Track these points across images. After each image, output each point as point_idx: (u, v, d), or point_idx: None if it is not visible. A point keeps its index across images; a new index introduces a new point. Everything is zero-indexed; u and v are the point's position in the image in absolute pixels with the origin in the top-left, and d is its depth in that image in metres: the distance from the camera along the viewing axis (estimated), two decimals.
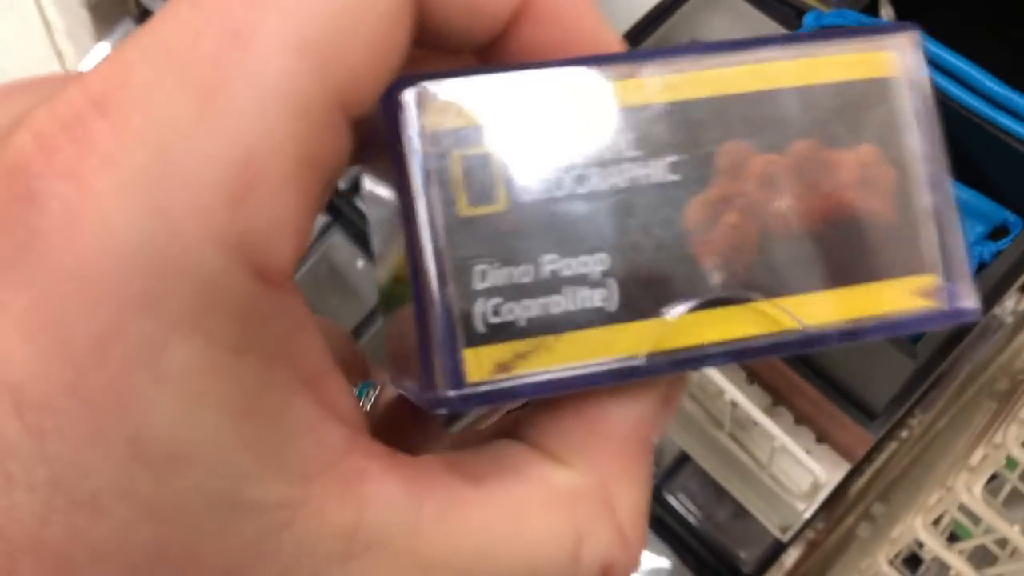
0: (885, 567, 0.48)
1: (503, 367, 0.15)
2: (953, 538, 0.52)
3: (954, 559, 0.44)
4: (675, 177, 0.16)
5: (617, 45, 0.17)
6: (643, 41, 0.62)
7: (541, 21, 0.17)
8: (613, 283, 0.16)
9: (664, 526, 0.69)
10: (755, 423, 0.51)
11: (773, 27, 0.62)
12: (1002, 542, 0.47)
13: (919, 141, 0.17)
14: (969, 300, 0.17)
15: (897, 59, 0.17)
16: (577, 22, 0.17)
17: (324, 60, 0.14)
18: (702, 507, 0.70)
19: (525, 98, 0.16)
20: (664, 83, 0.16)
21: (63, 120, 0.13)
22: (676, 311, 0.16)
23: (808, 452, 0.53)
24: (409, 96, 0.15)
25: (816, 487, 0.52)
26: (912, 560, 0.54)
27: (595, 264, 0.16)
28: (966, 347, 0.56)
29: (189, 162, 0.13)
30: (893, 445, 0.54)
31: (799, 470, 0.52)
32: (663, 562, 0.69)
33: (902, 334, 0.17)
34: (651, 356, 0.16)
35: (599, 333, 0.16)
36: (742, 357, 0.16)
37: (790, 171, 0.17)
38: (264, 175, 0.13)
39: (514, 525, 0.16)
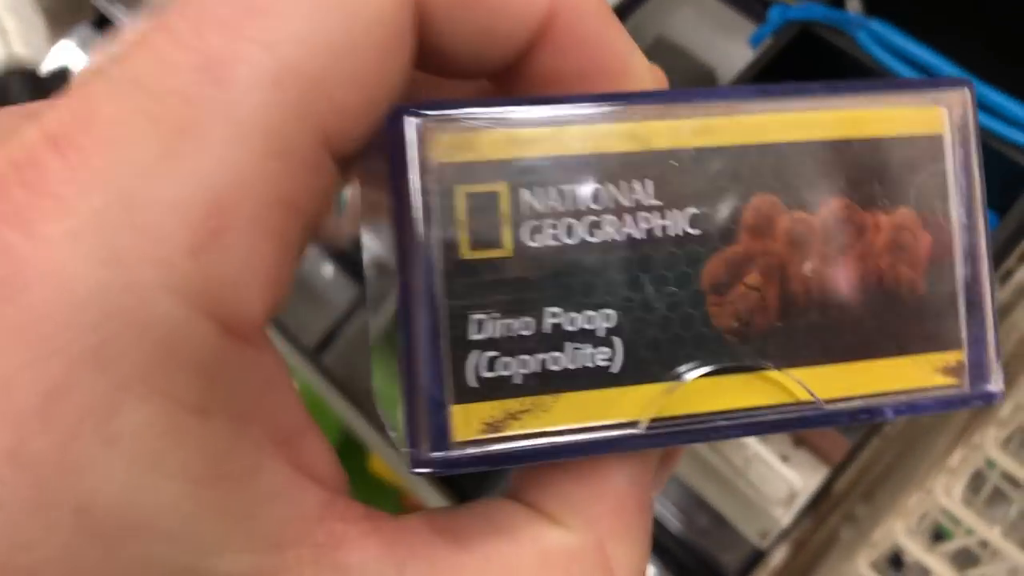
0: (865, 571, 0.48)
1: (493, 427, 0.14)
2: (939, 535, 0.52)
3: (935, 562, 0.44)
4: (696, 231, 0.15)
5: (647, 76, 0.16)
6: None
7: (563, 47, 0.15)
8: (619, 342, 0.15)
9: None
10: None
11: (739, 21, 0.62)
12: (985, 542, 0.47)
13: (960, 208, 0.16)
14: (993, 383, 0.16)
15: (946, 117, 0.16)
16: (603, 50, 0.16)
17: (307, 95, 0.13)
18: (683, 511, 0.69)
19: (540, 135, 0.15)
20: (693, 127, 0.15)
21: (16, 160, 0.12)
22: (685, 376, 0.15)
23: (785, 457, 0.53)
24: (414, 125, 0.14)
25: (793, 495, 0.52)
26: (897, 559, 0.54)
27: (601, 320, 0.15)
28: None
29: (151, 207, 0.12)
30: (875, 442, 0.54)
31: (776, 477, 0.52)
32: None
33: (923, 413, 0.16)
34: (654, 424, 0.15)
35: (600, 395, 0.15)
36: (751, 431, 0.15)
37: (820, 232, 0.16)
38: (234, 221, 0.12)
39: None
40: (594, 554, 0.15)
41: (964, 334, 0.16)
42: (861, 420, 0.16)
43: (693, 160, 0.15)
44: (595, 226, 0.15)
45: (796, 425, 0.16)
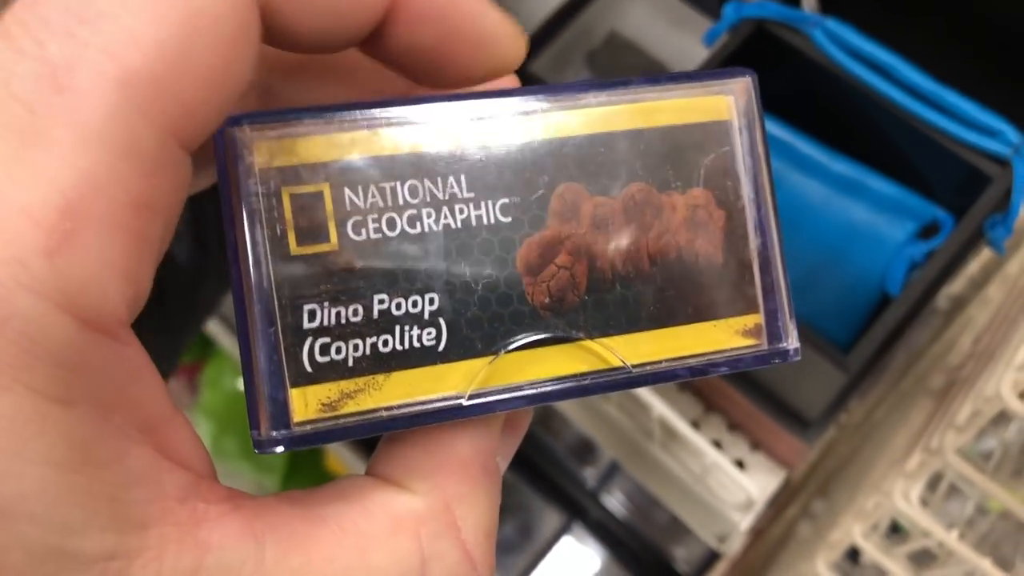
0: (824, 572, 0.49)
1: (330, 406, 0.16)
2: (896, 528, 0.53)
3: (892, 564, 0.45)
4: (508, 219, 0.17)
5: (505, 39, 0.18)
6: (561, 32, 0.62)
7: (414, 19, 0.17)
8: (443, 322, 0.17)
9: (603, 528, 0.70)
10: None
11: (694, 16, 0.63)
12: (942, 543, 0.48)
13: (748, 185, 0.19)
14: (788, 340, 0.19)
15: (731, 104, 0.19)
16: (455, 18, 0.17)
17: (153, 96, 0.14)
18: (640, 508, 0.70)
19: (358, 138, 0.17)
20: (500, 125, 0.18)
21: None
22: (504, 350, 0.17)
23: (743, 461, 0.54)
24: (238, 133, 0.16)
25: (751, 502, 0.52)
26: (855, 551, 0.55)
27: (426, 304, 0.17)
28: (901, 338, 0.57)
29: (3, 211, 0.13)
30: (831, 432, 0.55)
31: (734, 484, 0.52)
32: (601, 561, 0.70)
33: (726, 372, 0.18)
34: (476, 394, 0.17)
35: (427, 372, 0.17)
36: (567, 395, 0.18)
37: (621, 214, 0.18)
38: (87, 223, 0.14)
39: (359, 556, 0.16)
40: (442, 515, 0.17)
41: (760, 298, 0.19)
42: (670, 379, 0.18)
43: (502, 155, 0.18)
44: (415, 219, 0.17)
45: (609, 387, 0.18)
